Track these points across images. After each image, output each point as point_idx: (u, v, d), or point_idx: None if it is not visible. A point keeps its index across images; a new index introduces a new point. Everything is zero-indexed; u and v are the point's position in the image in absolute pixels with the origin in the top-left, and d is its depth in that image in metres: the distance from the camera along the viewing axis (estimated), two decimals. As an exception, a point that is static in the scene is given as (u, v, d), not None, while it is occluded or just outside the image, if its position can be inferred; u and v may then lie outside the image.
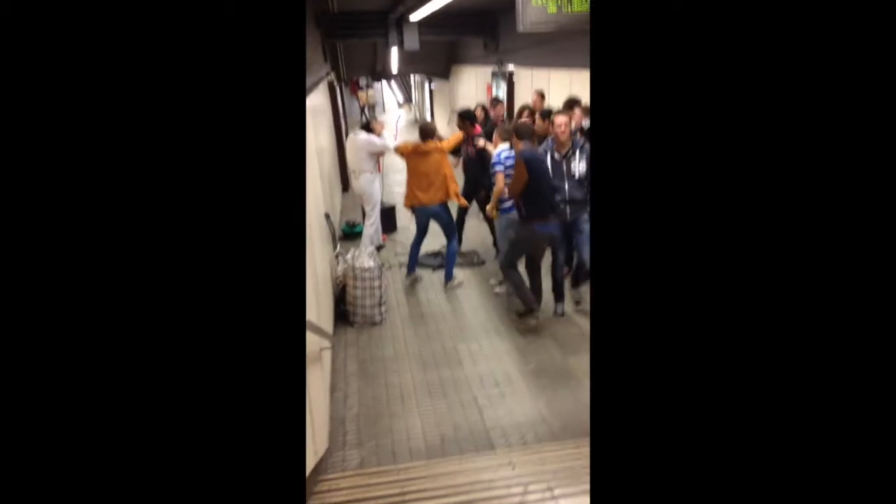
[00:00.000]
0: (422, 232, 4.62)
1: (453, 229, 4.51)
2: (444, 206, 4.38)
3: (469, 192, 4.82)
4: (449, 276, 4.60)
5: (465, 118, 4.68)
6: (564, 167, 3.67)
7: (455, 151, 4.76)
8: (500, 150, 3.93)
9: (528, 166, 3.38)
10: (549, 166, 3.60)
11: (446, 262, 4.62)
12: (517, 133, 3.57)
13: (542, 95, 5.33)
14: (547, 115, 4.24)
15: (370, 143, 4.86)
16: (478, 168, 4.59)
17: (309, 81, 4.30)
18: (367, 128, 4.94)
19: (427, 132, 4.30)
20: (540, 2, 4.12)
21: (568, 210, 3.70)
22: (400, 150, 4.44)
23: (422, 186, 4.31)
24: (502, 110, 5.31)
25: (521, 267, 3.93)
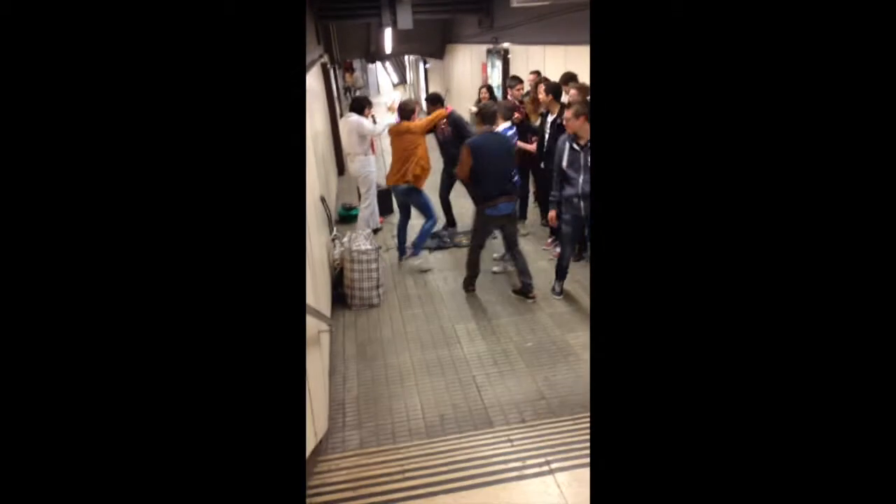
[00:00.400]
0: (404, 212, 4.65)
1: (427, 208, 4.49)
2: (412, 186, 4.37)
3: (449, 172, 4.87)
4: (414, 251, 4.63)
5: (433, 101, 4.76)
6: (583, 159, 3.47)
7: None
8: (503, 129, 4.02)
9: (473, 153, 3.53)
10: (567, 157, 3.50)
11: (417, 238, 4.63)
12: (481, 116, 3.64)
13: (538, 74, 5.25)
14: (554, 90, 4.15)
15: (360, 125, 4.83)
16: (455, 147, 4.58)
17: (306, 61, 4.25)
18: (357, 109, 4.88)
19: (405, 111, 4.29)
20: (533, -24, 4.06)
21: (582, 205, 3.56)
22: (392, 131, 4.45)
23: (396, 166, 4.35)
24: (521, 90, 5.20)
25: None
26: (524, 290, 3.92)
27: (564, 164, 3.54)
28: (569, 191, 3.57)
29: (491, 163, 3.57)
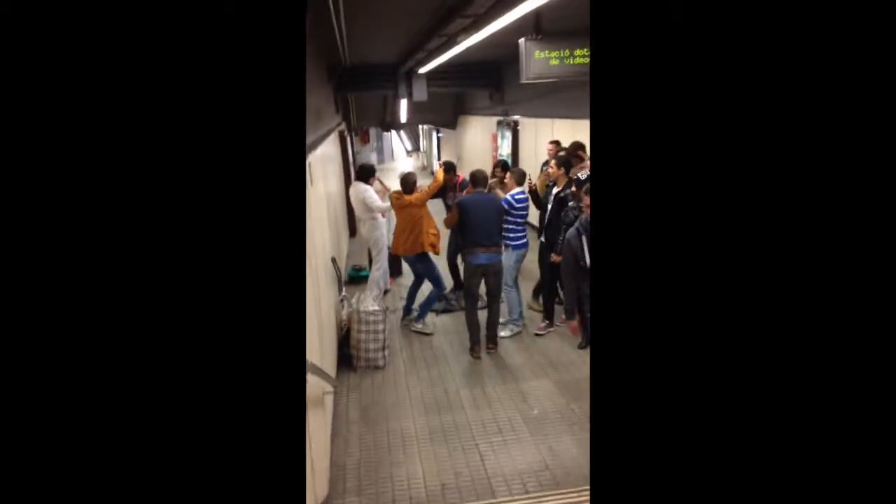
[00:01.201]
0: (417, 276, 4.76)
1: (435, 277, 4.62)
2: (420, 256, 4.52)
3: (457, 235, 4.96)
4: (418, 317, 4.72)
5: (447, 169, 5.02)
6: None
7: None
8: (514, 193, 4.28)
9: (461, 209, 4.05)
10: (585, 245, 3.33)
11: (422, 304, 4.72)
12: (472, 180, 4.19)
13: (557, 144, 5.33)
14: (564, 163, 4.21)
15: (366, 197, 4.95)
16: None
17: (321, 132, 4.46)
18: (363, 178, 5.02)
19: (406, 185, 4.47)
20: (542, 54, 4.30)
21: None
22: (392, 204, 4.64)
23: (402, 237, 4.48)
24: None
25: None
26: (474, 340, 4.18)
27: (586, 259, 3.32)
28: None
29: (477, 217, 4.03)
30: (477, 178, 4.17)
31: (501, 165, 5.12)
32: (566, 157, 4.32)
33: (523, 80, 4.35)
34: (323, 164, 4.25)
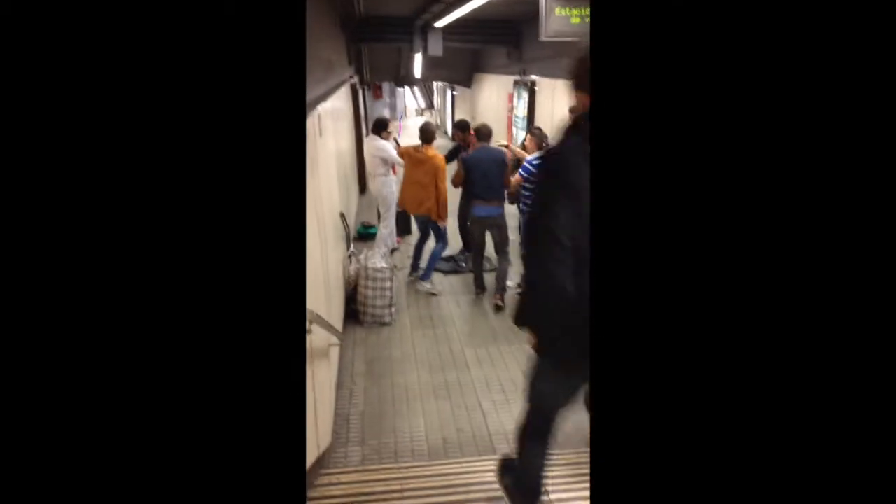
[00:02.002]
0: (423, 234, 4.71)
1: (441, 233, 4.56)
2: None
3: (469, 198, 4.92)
4: (423, 276, 4.68)
5: (461, 128, 4.94)
6: None
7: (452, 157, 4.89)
8: (532, 157, 4.06)
9: (465, 165, 4.13)
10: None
11: (428, 262, 4.69)
12: (477, 134, 4.27)
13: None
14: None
15: (383, 150, 4.93)
16: None
17: (331, 83, 4.37)
18: (376, 131, 5.00)
19: (427, 135, 4.35)
20: (563, 11, 4.15)
21: None
22: (400, 154, 4.59)
23: (413, 194, 4.39)
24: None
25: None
26: (478, 284, 4.47)
27: None
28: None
29: (479, 171, 4.07)
30: (481, 133, 4.20)
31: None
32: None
33: (542, 38, 4.22)
34: (333, 117, 4.19)
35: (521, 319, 1.43)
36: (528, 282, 1.41)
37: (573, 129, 1.32)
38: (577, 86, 1.36)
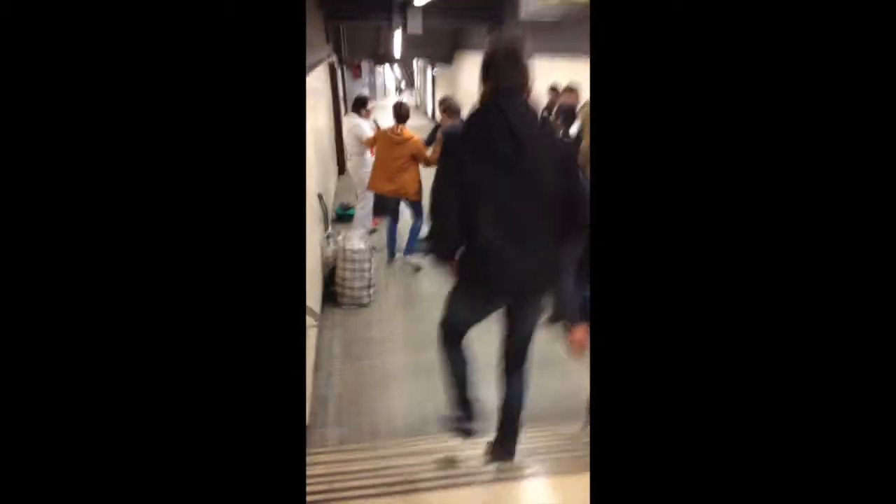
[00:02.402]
0: (393, 215, 4.64)
1: (421, 210, 4.49)
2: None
3: None
4: (407, 252, 4.64)
5: (448, 110, 4.77)
6: None
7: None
8: None
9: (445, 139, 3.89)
10: None
11: (408, 241, 4.65)
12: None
13: (556, 92, 5.09)
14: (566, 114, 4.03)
15: (358, 128, 4.85)
16: None
17: (309, 62, 4.28)
18: (355, 109, 4.92)
19: (402, 114, 4.26)
20: (542, -10, 4.11)
21: None
22: (368, 142, 4.51)
23: (389, 176, 4.27)
24: (575, 98, 5.03)
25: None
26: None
27: None
28: None
29: None
30: (452, 109, 4.04)
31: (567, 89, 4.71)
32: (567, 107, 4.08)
33: (521, 17, 4.18)
34: (308, 97, 4.12)
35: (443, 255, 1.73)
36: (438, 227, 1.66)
37: (473, 115, 1.59)
38: (485, 76, 1.58)
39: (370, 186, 4.50)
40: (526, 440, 2.41)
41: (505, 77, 1.52)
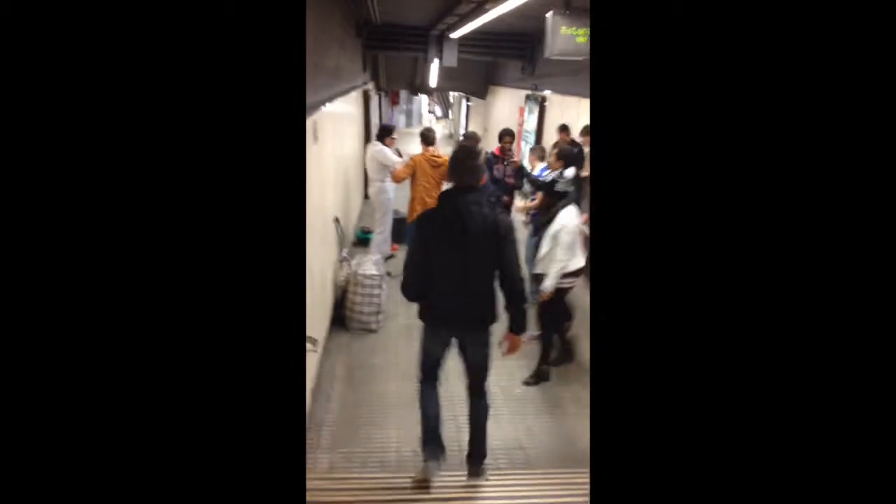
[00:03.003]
0: None
1: None
2: None
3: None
4: None
5: (505, 135, 4.93)
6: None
7: None
8: (538, 172, 4.22)
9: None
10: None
11: None
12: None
13: (565, 129, 5.30)
14: (567, 157, 4.04)
15: (381, 154, 4.89)
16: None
17: (340, 88, 4.41)
18: (380, 137, 5.00)
19: (430, 138, 4.43)
20: (569, 31, 4.15)
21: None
22: (400, 176, 4.52)
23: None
24: (568, 136, 5.24)
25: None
26: None
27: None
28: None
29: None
30: (473, 139, 4.29)
31: (507, 134, 4.99)
32: (571, 149, 4.08)
33: (546, 56, 4.23)
34: (335, 121, 4.22)
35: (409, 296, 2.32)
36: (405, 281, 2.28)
37: (442, 197, 2.18)
38: (448, 176, 2.20)
39: (411, 215, 4.45)
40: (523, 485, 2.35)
41: (459, 178, 2.13)
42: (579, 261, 3.29)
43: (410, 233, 4.60)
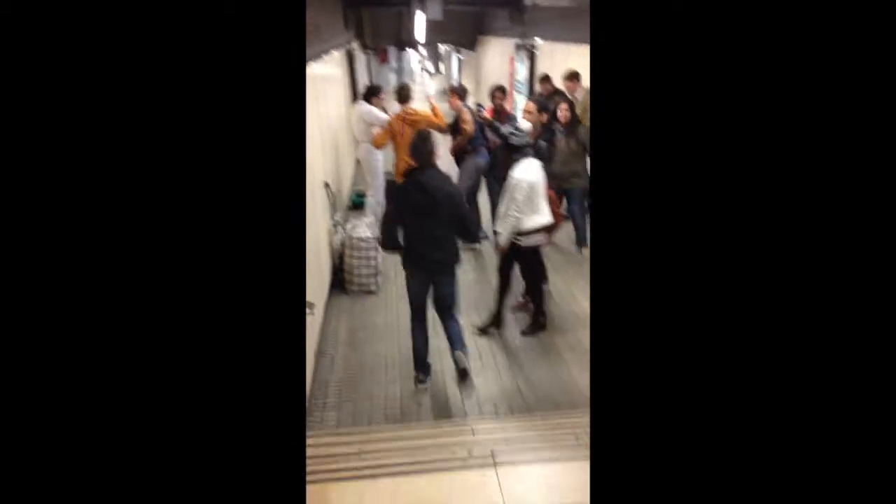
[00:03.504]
0: None
1: None
2: None
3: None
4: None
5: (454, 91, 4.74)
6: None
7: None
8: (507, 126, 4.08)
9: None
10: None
11: None
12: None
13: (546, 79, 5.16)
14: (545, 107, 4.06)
15: (367, 113, 4.81)
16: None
17: (321, 48, 4.31)
18: (367, 97, 4.91)
19: (405, 96, 4.40)
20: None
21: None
22: (379, 142, 4.47)
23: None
24: (551, 86, 5.06)
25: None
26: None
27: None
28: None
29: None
30: (459, 93, 4.32)
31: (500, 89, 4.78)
32: (545, 101, 4.01)
33: (534, 1, 4.12)
34: (321, 83, 4.16)
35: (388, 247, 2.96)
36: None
37: (407, 175, 2.82)
38: (411, 154, 2.82)
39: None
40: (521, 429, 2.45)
41: (419, 157, 2.74)
42: (541, 217, 3.19)
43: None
